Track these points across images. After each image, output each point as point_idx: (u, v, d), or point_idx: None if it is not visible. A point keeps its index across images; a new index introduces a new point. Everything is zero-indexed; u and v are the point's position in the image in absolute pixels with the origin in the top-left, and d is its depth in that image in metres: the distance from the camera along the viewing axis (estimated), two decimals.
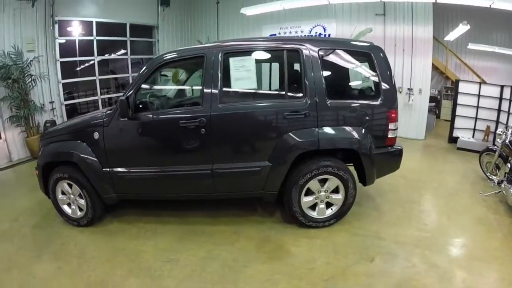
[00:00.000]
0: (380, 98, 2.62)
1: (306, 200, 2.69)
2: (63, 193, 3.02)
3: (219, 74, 2.53)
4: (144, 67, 2.71)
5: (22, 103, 5.03)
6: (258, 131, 2.60)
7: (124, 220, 3.14)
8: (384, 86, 2.62)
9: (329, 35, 6.01)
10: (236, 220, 2.95)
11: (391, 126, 2.65)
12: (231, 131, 2.59)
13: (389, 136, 2.67)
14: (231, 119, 2.55)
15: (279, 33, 6.56)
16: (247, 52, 2.67)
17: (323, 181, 2.65)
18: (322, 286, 2.07)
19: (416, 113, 5.40)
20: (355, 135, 2.58)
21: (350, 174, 2.63)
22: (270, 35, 6.63)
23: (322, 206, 2.73)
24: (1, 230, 3.12)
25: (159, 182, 2.80)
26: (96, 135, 2.72)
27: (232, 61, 2.56)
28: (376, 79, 2.65)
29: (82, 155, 2.75)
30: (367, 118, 2.61)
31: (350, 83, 2.99)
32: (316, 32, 6.15)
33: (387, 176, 3.45)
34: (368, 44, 2.74)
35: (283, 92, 2.72)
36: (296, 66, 2.75)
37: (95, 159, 2.74)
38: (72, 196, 2.99)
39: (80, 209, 3.02)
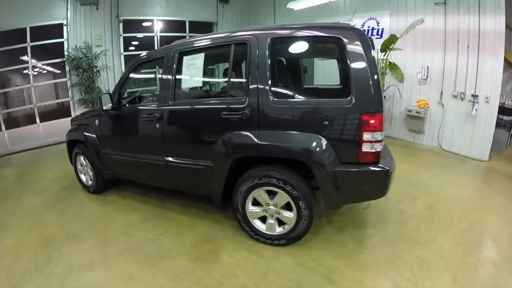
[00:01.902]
0: (350, 98, 2.10)
1: (253, 210, 2.51)
2: (81, 164, 3.89)
3: (173, 73, 2.74)
4: (126, 69, 3.24)
5: (89, 89, 6.48)
6: (199, 129, 2.67)
7: (121, 195, 3.83)
8: (358, 81, 2.07)
9: (382, 29, 5.51)
10: (201, 215, 3.17)
11: (366, 136, 2.07)
12: (177, 127, 2.80)
13: (364, 149, 2.10)
14: (177, 116, 2.76)
15: None
16: (199, 50, 2.70)
17: (274, 194, 2.40)
18: None
19: (480, 127, 4.45)
20: (305, 143, 2.20)
21: (303, 191, 2.26)
22: None
23: (272, 221, 2.47)
24: (43, 185, 4.35)
25: (132, 166, 3.34)
26: (96, 122, 3.48)
27: (185, 59, 2.73)
28: (345, 72, 2.17)
29: (88, 138, 3.56)
30: (325, 123, 2.15)
31: (305, 78, 2.68)
32: (368, 26, 5.72)
33: (401, 200, 3.22)
34: (340, 26, 2.28)
35: (225, 90, 2.69)
36: (242, 61, 2.63)
37: (97, 141, 3.49)
38: (85, 168, 3.83)
39: (91, 179, 3.83)
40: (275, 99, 2.29)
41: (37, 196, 3.99)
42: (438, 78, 4.85)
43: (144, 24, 7.69)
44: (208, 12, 8.57)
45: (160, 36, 7.87)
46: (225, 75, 2.85)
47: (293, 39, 2.39)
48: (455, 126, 4.77)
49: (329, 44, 2.27)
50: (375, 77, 2.05)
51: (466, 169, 4.31)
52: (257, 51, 2.32)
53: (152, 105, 2.94)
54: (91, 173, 3.78)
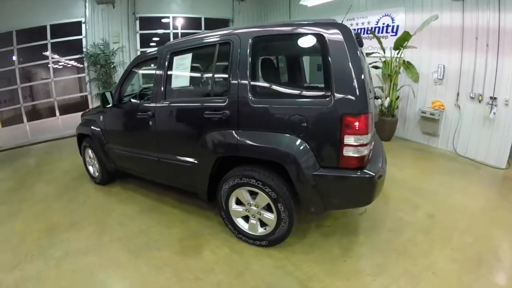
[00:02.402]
0: (330, 98, 2.02)
1: (236, 209, 2.55)
2: (89, 157, 4.15)
3: (164, 72, 2.85)
4: (126, 68, 3.44)
5: (106, 84, 6.83)
6: (186, 128, 2.77)
7: (124, 187, 4.05)
8: (339, 80, 1.98)
9: (397, 26, 5.32)
10: (194, 211, 3.27)
11: (348, 139, 1.98)
12: (166, 125, 2.90)
13: (345, 153, 2.01)
14: (166, 115, 2.85)
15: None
16: (187, 50, 2.77)
17: (256, 194, 2.40)
18: None
19: (498, 131, 4.18)
20: (281, 145, 2.16)
21: (282, 193, 2.22)
22: None
23: (254, 221, 2.49)
24: (55, 175, 4.68)
25: (131, 161, 3.52)
26: (101, 117, 3.71)
27: (175, 60, 2.81)
28: (327, 70, 2.04)
29: (94, 132, 3.80)
30: (304, 124, 2.09)
31: (286, 78, 2.60)
32: (383, 23, 5.54)
33: (401, 207, 3.11)
34: (322, 22, 2.13)
35: (210, 90, 2.72)
36: (226, 60, 2.57)
37: (101, 136, 3.73)
38: (93, 160, 4.08)
39: (97, 171, 4.08)
40: (254, 98, 2.28)
41: (49, 185, 4.31)
42: (455, 78, 4.62)
43: (161, 21, 7.94)
44: (224, 9, 8.68)
45: (176, 33, 8.10)
46: (212, 75, 2.80)
47: (275, 37, 2.36)
48: (472, 130, 4.53)
49: (311, 41, 2.14)
50: (360, 76, 1.96)
51: (480, 177, 4.08)
52: (239, 50, 2.33)
53: (146, 103, 3.08)
54: (97, 166, 4.03)
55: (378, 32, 5.54)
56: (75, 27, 6.68)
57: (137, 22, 7.31)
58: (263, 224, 2.48)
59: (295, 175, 2.15)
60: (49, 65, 6.89)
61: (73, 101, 8.34)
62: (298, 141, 2.13)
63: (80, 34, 6.70)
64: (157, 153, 3.05)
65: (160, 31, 8.04)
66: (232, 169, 2.46)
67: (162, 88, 2.87)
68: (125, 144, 3.48)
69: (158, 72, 2.93)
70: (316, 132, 2.10)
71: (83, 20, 6.60)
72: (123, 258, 2.54)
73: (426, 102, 5.10)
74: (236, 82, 2.33)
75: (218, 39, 2.53)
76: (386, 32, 5.45)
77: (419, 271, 2.23)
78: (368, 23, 5.76)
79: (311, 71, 5.16)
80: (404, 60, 5.09)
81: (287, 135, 2.16)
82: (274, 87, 2.48)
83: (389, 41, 5.20)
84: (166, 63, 2.86)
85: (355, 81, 1.96)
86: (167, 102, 2.85)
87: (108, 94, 3.31)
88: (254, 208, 2.44)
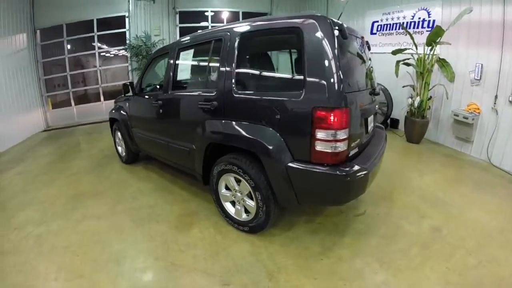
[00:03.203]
0: (302, 91, 2.04)
1: (225, 193, 2.72)
2: (118, 138, 4.71)
3: (172, 66, 3.18)
4: (146, 62, 3.88)
5: None
6: (186, 116, 3.04)
7: (146, 167, 4.55)
8: (311, 72, 2.00)
9: (433, 21, 4.99)
10: (198, 193, 3.54)
11: (320, 134, 1.98)
12: (172, 113, 3.20)
13: (318, 148, 2.00)
14: (172, 104, 3.17)
15: (381, 20, 6.04)
16: (190, 46, 3.06)
17: (240, 181, 2.52)
18: (167, 265, 2.33)
19: None
20: (255, 135, 2.26)
21: (260, 183, 2.31)
22: (373, 22, 6.26)
23: (239, 207, 2.64)
24: (91, 153, 5.42)
25: (148, 143, 3.92)
26: (127, 104, 4.22)
27: (182, 55, 3.13)
28: (301, 62, 2.07)
29: (121, 117, 4.34)
30: (277, 116, 2.15)
31: (265, 71, 2.62)
32: (419, 18, 5.23)
33: (406, 215, 2.97)
34: (302, 15, 2.12)
35: (205, 82, 2.94)
36: (218, 55, 2.73)
37: (127, 120, 4.24)
38: (121, 141, 4.63)
39: (124, 152, 4.62)
40: (236, 90, 2.43)
41: (84, 160, 4.99)
42: (493, 80, 4.22)
43: (199, 15, 8.41)
44: (262, 2, 8.85)
45: (214, 27, 8.48)
46: (208, 69, 3.03)
47: (260, 32, 2.43)
48: (510, 139, 4.11)
49: (291, 35, 2.16)
50: (335, 69, 1.94)
51: (510, 192, 3.71)
52: (228, 45, 2.50)
53: (159, 93, 3.44)
54: (124, 147, 4.57)
55: (414, 28, 5.26)
56: (122, 21, 7.46)
57: (177, 16, 7.86)
58: (248, 210, 2.61)
59: (267, 165, 2.23)
60: (96, 55, 7.81)
61: (119, 88, 9.28)
62: (272, 132, 2.19)
63: (124, 27, 7.45)
64: (166, 138, 3.41)
65: (201, 24, 8.51)
66: (223, 155, 2.68)
67: (170, 80, 3.22)
68: (144, 128, 3.91)
69: (168, 65, 3.30)
70: (288, 124, 2.14)
71: (126, 14, 7.34)
72: (126, 226, 2.93)
73: (461, 104, 4.74)
74: (223, 75, 2.51)
75: (213, 35, 2.74)
76: (422, 27, 5.15)
77: (398, 286, 2.06)
78: (404, 17, 5.49)
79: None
80: (439, 58, 4.77)
81: (263, 126, 2.25)
82: (256, 79, 2.58)
83: (425, 37, 4.90)
84: (174, 58, 3.20)
85: (329, 73, 1.95)
86: (174, 93, 3.19)
87: (128, 84, 3.79)
88: (239, 194, 2.59)
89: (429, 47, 4.66)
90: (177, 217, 3.04)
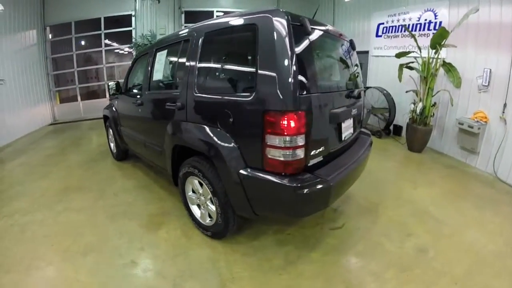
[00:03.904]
0: (254, 93, 1.89)
1: (191, 196, 2.66)
2: (110, 135, 4.80)
3: (149, 66, 3.22)
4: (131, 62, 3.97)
5: None
6: (157, 116, 3.02)
7: (134, 165, 4.63)
8: (263, 73, 1.84)
9: (440, 23, 4.71)
10: (176, 193, 3.44)
11: (271, 140, 1.82)
12: (148, 113, 3.20)
13: (268, 155, 1.85)
14: (148, 104, 3.20)
15: (387, 22, 5.81)
16: (165, 46, 3.07)
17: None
18: (127, 263, 2.33)
19: None
20: (208, 138, 2.18)
21: (218, 188, 2.22)
22: (378, 24, 6.04)
23: (203, 211, 2.58)
24: (89, 148, 5.65)
25: (131, 142, 3.95)
26: (116, 103, 4.30)
27: (158, 55, 3.15)
28: (253, 62, 1.92)
29: (112, 114, 4.41)
30: (230, 120, 2.04)
31: (223, 72, 2.44)
32: (425, 20, 4.96)
33: (388, 232, 2.68)
34: (261, 11, 1.96)
35: (173, 83, 2.90)
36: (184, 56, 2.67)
37: (116, 118, 4.31)
38: (112, 138, 4.71)
39: (115, 148, 4.70)
40: (197, 92, 2.35)
41: (80, 155, 5.12)
42: (502, 86, 3.91)
43: (205, 15, 8.44)
44: (267, 4, 8.76)
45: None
46: (174, 70, 3.03)
47: (220, 31, 2.31)
48: None
49: (249, 32, 1.99)
50: (289, 68, 1.77)
51: None
52: (193, 46, 2.45)
53: (139, 93, 3.47)
54: (114, 144, 4.64)
55: (420, 30, 5.00)
56: (126, 20, 7.63)
57: (183, 15, 7.92)
58: (211, 215, 2.54)
59: (221, 170, 2.14)
60: (102, 52, 8.02)
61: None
62: (225, 136, 2.09)
63: (130, 26, 7.61)
64: (143, 136, 3.43)
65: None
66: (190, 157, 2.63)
67: (147, 80, 3.25)
68: (128, 126, 3.95)
69: (146, 66, 3.33)
70: (240, 128, 2.02)
71: (133, 13, 7.50)
72: (101, 221, 2.98)
73: (468, 112, 4.43)
74: (187, 75, 2.45)
75: (183, 35, 2.70)
76: (428, 29, 4.88)
77: None
78: (410, 19, 5.23)
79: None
80: (444, 61, 4.50)
81: (218, 129, 2.16)
82: (215, 80, 2.43)
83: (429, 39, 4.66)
84: (152, 58, 3.22)
85: (281, 72, 1.78)
86: (149, 93, 3.21)
87: (113, 84, 3.93)
88: (202, 198, 2.53)
89: (434, 50, 4.40)
90: (149, 216, 3.04)
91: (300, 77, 1.83)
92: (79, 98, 7.94)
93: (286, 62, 1.79)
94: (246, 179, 1.98)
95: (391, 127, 5.91)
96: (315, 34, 2.12)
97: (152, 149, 3.23)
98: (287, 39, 1.81)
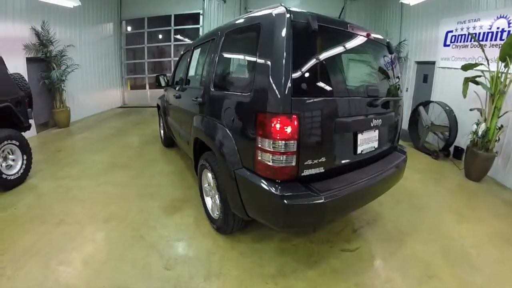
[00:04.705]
0: (251, 92, 1.85)
1: (206, 188, 2.76)
2: (162, 123, 5.23)
3: (187, 62, 3.44)
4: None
5: None
6: (188, 109, 3.12)
7: (178, 152, 4.96)
8: (260, 72, 1.79)
9: None
10: None
11: (261, 142, 1.75)
12: (183, 106, 3.38)
13: (259, 158, 1.77)
14: (183, 96, 3.38)
15: (455, 29, 5.11)
16: (199, 45, 3.24)
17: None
18: (136, 235, 2.55)
19: None
20: (214, 133, 2.23)
21: (220, 183, 2.25)
22: (447, 32, 5.38)
23: (213, 204, 2.62)
24: (145, 132, 6.24)
25: (172, 130, 4.22)
26: (166, 94, 4.64)
27: (194, 52, 3.34)
28: (253, 60, 1.88)
29: (162, 104, 4.83)
30: (232, 117, 2.05)
31: (234, 70, 2.43)
32: (497, 28, 4.16)
33: (406, 272, 2.20)
34: (266, 12, 1.89)
35: (200, 79, 2.95)
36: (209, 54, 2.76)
37: (164, 108, 4.68)
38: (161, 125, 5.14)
39: (162, 135, 5.13)
40: (213, 88, 2.43)
41: (134, 137, 5.71)
42: None
43: None
44: (334, 7, 8.45)
45: None
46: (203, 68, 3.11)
47: (236, 30, 2.31)
48: None
49: (254, 32, 1.94)
50: (281, 66, 1.67)
51: None
52: (215, 44, 2.52)
53: (178, 87, 3.70)
54: (162, 130, 5.05)
55: (491, 40, 4.26)
56: (194, 18, 8.18)
57: None
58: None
59: (220, 166, 2.16)
60: (171, 47, 8.74)
61: None
62: (227, 133, 2.09)
63: (198, 23, 8.14)
64: (179, 127, 3.66)
65: None
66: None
67: (185, 75, 3.48)
68: (171, 116, 4.25)
69: (186, 62, 3.56)
70: (239, 127, 2.00)
71: (201, 11, 7.99)
72: (131, 197, 3.30)
73: None
74: (208, 71, 2.54)
75: (212, 34, 2.80)
76: (501, 39, 4.11)
77: None
78: (480, 27, 4.49)
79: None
80: None
81: (222, 125, 2.19)
82: (228, 78, 2.46)
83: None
84: (190, 55, 3.44)
85: (274, 71, 1.69)
86: (185, 88, 3.41)
87: (158, 77, 4.27)
88: (213, 191, 2.55)
89: (503, 63, 3.73)
90: (172, 201, 3.23)
91: (297, 78, 1.71)
92: (147, 86, 8.81)
93: (281, 61, 1.68)
94: (240, 179, 1.95)
95: (451, 149, 5.20)
96: (326, 33, 1.93)
97: (183, 139, 3.43)
98: (284, 37, 1.70)
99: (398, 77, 2.62)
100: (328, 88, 1.91)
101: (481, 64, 4.08)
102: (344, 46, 2.12)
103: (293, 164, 1.74)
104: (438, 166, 4.78)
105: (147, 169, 4.13)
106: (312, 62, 1.81)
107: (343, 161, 2.04)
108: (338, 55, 2.07)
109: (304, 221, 1.83)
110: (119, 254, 2.29)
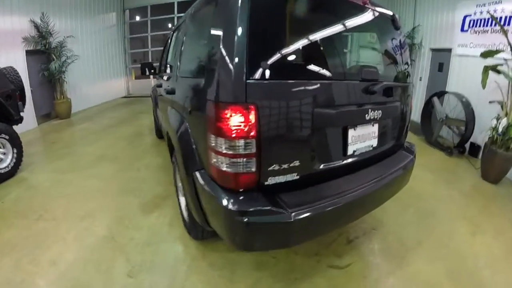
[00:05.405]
0: (203, 77, 1.50)
1: (180, 186, 2.46)
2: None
3: (166, 48, 3.25)
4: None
5: None
6: (162, 100, 2.95)
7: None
8: (211, 51, 1.42)
9: None
10: None
11: (211, 140, 1.36)
12: (163, 95, 3.07)
13: (211, 161, 1.40)
14: (163, 86, 3.07)
15: (474, 13, 4.52)
16: (176, 29, 3.00)
17: None
18: (107, 236, 2.34)
19: None
20: (178, 128, 1.89)
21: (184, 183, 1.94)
22: (464, 16, 4.79)
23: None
24: (142, 123, 5.96)
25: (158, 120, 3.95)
26: (153, 83, 4.39)
27: (172, 37, 3.08)
28: (208, 38, 1.54)
29: (153, 94, 4.54)
30: (189, 110, 1.71)
31: (194, 52, 1.98)
32: None
33: None
34: None
35: (171, 66, 2.74)
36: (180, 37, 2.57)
37: (154, 98, 4.42)
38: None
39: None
40: (179, 75, 2.14)
41: (131, 128, 5.53)
42: None
43: None
44: None
45: None
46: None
47: (197, 8, 1.99)
48: None
49: (213, 3, 1.56)
50: (235, 41, 1.25)
51: None
52: (183, 26, 2.32)
53: (159, 75, 3.49)
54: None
55: None
56: None
57: None
58: None
59: (179, 166, 1.82)
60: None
61: None
62: (186, 128, 1.77)
63: None
64: (162, 119, 3.36)
65: None
66: None
67: (164, 62, 3.28)
68: (159, 107, 3.94)
69: (164, 48, 3.41)
70: (195, 121, 1.63)
71: None
72: (112, 192, 3.10)
73: None
74: (176, 56, 2.34)
75: (182, 17, 2.61)
76: None
77: None
78: (502, 10, 3.90)
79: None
80: None
81: (183, 118, 1.88)
82: (188, 61, 2.07)
83: None
84: (169, 41, 3.23)
85: (227, 46, 1.28)
86: (162, 74, 3.23)
87: (143, 65, 3.93)
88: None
89: None
90: (152, 197, 2.99)
91: (257, 54, 1.28)
92: (151, 76, 8.59)
93: (233, 31, 1.27)
94: (198, 184, 1.58)
95: (467, 145, 4.67)
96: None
97: (163, 130, 3.17)
98: (240, 5, 1.28)
99: (407, 62, 2.12)
100: (302, 67, 1.49)
101: (503, 51, 3.54)
102: (328, 14, 1.65)
103: (253, 169, 1.34)
104: (451, 164, 4.28)
105: (136, 161, 3.92)
106: (281, 32, 1.40)
107: (327, 165, 1.61)
108: (319, 25, 1.58)
109: (267, 244, 1.41)
110: (87, 255, 2.11)
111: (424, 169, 3.72)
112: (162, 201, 2.88)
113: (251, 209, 1.28)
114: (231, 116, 1.26)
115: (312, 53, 1.54)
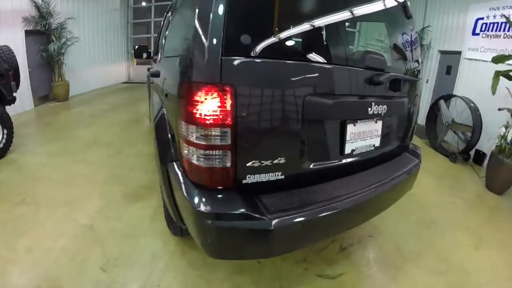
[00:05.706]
0: (179, 55, 1.32)
1: None
2: None
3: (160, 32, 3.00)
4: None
5: None
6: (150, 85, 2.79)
7: None
8: (187, 25, 1.26)
9: None
10: None
11: (182, 127, 1.17)
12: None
13: (182, 151, 1.21)
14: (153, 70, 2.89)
15: (487, 16, 4.30)
16: (167, 11, 2.77)
17: None
18: (87, 225, 2.23)
19: None
20: (154, 106, 1.88)
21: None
22: (476, 19, 4.57)
23: None
24: (138, 109, 5.79)
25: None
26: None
27: (166, 20, 2.80)
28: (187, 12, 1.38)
29: (148, 81, 4.29)
30: (166, 93, 1.57)
31: (176, 30, 1.78)
32: None
33: None
34: None
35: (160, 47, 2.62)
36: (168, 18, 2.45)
37: (149, 82, 4.18)
38: None
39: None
40: (163, 56, 2.03)
41: (126, 114, 5.40)
42: None
43: None
44: None
45: None
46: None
47: None
48: None
49: None
50: (218, 12, 1.05)
51: None
52: (172, 6, 2.20)
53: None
54: None
55: None
56: None
57: None
58: None
59: (156, 156, 1.62)
60: None
61: None
62: (164, 113, 1.61)
63: None
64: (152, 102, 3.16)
65: None
66: None
67: (156, 46, 3.11)
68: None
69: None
70: (169, 105, 1.50)
71: None
72: (98, 179, 2.96)
73: None
74: (163, 37, 2.26)
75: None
76: None
77: None
78: None
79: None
80: None
81: (162, 103, 1.73)
82: (171, 41, 1.87)
83: None
84: (162, 23, 3.10)
85: (202, 17, 1.09)
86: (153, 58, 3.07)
87: (139, 48, 3.69)
88: None
89: None
90: (137, 187, 2.84)
91: (237, 25, 1.08)
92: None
93: (208, 7, 1.07)
94: (171, 177, 1.38)
95: (472, 152, 4.47)
96: None
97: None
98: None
99: (417, 60, 1.91)
100: (293, 45, 1.27)
101: None
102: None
103: (227, 164, 1.13)
104: (455, 171, 4.08)
105: (126, 148, 3.78)
106: (268, 1, 1.18)
107: (319, 165, 1.39)
108: (313, 5, 1.38)
109: (242, 253, 1.21)
110: (63, 244, 1.97)
111: (427, 174, 3.53)
112: (146, 191, 2.73)
113: (221, 212, 1.08)
114: (203, 99, 1.06)
115: (306, 29, 1.30)
